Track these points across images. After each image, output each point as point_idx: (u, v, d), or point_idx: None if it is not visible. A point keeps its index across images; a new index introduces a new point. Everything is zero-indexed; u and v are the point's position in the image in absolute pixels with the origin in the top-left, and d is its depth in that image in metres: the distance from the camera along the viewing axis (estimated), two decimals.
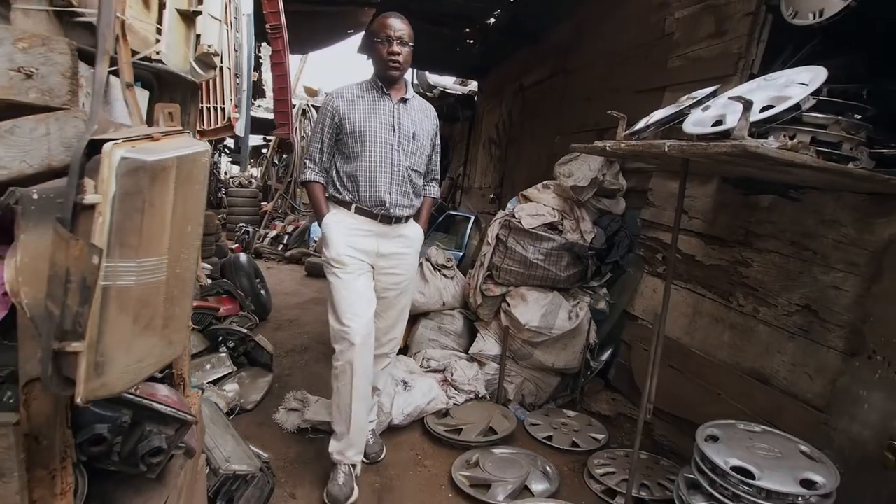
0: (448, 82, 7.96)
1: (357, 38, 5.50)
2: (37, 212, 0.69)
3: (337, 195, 2.15)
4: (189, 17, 1.25)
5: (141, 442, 1.02)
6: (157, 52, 1.12)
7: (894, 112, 2.35)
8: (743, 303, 2.29)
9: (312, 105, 8.99)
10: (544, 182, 3.25)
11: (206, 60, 1.23)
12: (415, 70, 7.32)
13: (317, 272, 6.25)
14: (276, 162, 11.43)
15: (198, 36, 1.25)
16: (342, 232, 2.10)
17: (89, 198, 0.67)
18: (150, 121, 0.93)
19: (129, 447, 1.01)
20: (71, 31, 0.82)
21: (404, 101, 2.16)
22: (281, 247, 7.80)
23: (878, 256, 1.79)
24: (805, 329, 2.01)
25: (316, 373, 3.39)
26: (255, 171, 12.36)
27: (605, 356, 3.07)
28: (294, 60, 7.58)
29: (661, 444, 2.59)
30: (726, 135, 1.57)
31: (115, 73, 0.91)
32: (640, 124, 2.13)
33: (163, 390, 1.27)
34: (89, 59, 0.82)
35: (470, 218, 5.46)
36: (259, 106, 9.02)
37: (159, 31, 1.14)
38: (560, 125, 4.37)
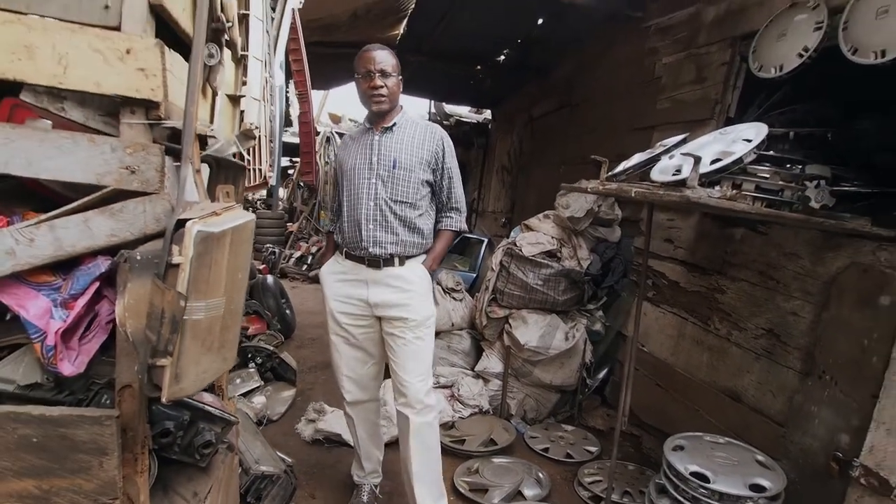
0: (463, 111, 8.35)
1: None
2: (139, 268, 1.01)
3: (336, 240, 2.13)
4: (235, 100, 1.58)
5: (196, 436, 1.32)
6: (212, 130, 1.45)
7: (863, 150, 2.60)
8: (719, 326, 2.52)
9: (337, 132, 9.44)
10: (545, 212, 3.53)
11: (247, 134, 1.55)
12: (432, 101, 7.71)
13: None
14: (302, 184, 11.92)
15: (241, 113, 1.59)
16: (333, 284, 2.09)
17: (176, 259, 0.98)
18: (211, 193, 1.24)
19: (186, 440, 1.31)
20: (160, 132, 1.14)
21: (387, 129, 2.02)
22: (305, 267, 8.18)
23: (827, 286, 2.02)
24: (769, 351, 2.23)
25: (335, 388, 3.68)
26: (282, 193, 12.88)
27: (601, 374, 3.30)
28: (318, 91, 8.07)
29: (648, 456, 2.80)
30: (683, 183, 1.84)
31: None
32: (620, 167, 2.40)
33: (208, 397, 1.58)
34: (170, 151, 1.15)
35: (483, 241, 5.73)
36: (287, 131, 9.54)
37: (212, 113, 1.47)
38: (565, 155, 4.66)
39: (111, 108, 1.11)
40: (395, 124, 2.03)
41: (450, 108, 8.11)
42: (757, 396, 2.26)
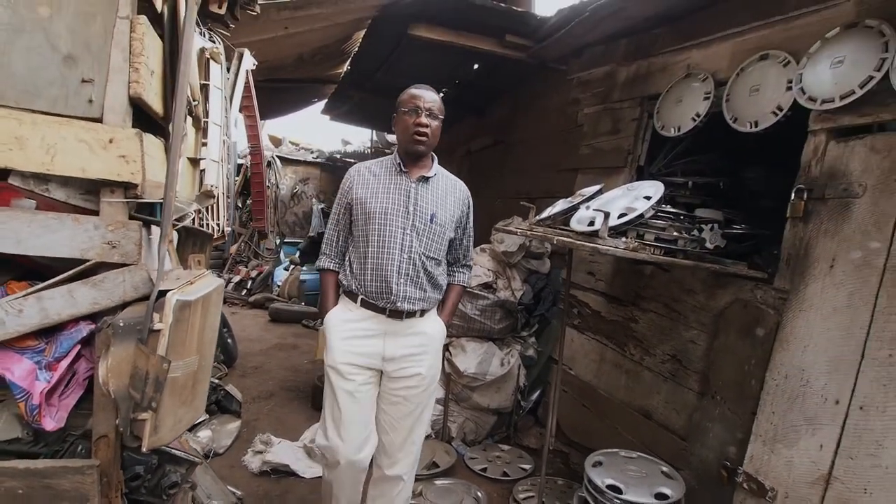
0: None
1: (319, 105, 6.07)
2: (122, 333, 1.14)
3: (345, 283, 1.96)
4: (195, 162, 1.72)
5: (163, 478, 1.44)
6: (176, 196, 1.59)
7: (751, 196, 3.04)
8: (633, 352, 2.85)
9: (277, 156, 9.42)
10: (481, 246, 3.79)
11: (207, 194, 1.69)
12: (373, 129, 7.92)
13: (280, 318, 6.59)
14: (240, 206, 11.73)
15: (202, 173, 1.72)
16: (343, 334, 1.91)
17: (157, 326, 1.13)
18: (181, 259, 1.38)
19: (154, 481, 1.43)
20: (140, 208, 1.28)
21: (425, 179, 1.96)
22: (245, 291, 8.08)
23: (717, 318, 2.38)
24: (673, 374, 2.57)
25: (280, 417, 3.75)
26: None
27: (534, 396, 3.57)
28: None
29: (575, 471, 3.08)
30: (596, 234, 2.14)
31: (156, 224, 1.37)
32: (545, 213, 2.69)
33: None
34: (138, 216, 1.29)
35: None
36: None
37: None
38: (501, 189, 4.98)
39: (90, 187, 1.25)
40: (435, 175, 1.99)
41: (392, 137, 8.35)
42: (665, 414, 2.59)
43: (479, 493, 2.75)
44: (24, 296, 1.13)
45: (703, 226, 2.48)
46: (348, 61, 4.33)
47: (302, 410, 3.87)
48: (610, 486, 2.08)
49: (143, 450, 1.14)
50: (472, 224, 2.14)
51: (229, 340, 4.82)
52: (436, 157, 2.05)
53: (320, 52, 3.71)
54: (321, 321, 2.00)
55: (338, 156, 10.17)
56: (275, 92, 5.02)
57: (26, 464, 1.14)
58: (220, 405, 3.58)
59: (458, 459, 3.14)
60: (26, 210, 1.15)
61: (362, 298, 1.91)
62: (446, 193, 2.02)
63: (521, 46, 3.71)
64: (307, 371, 4.76)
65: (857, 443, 1.76)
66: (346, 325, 1.92)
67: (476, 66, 4.47)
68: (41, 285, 1.15)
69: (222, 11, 1.49)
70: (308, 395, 4.03)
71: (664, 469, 2.21)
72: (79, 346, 1.20)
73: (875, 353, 1.76)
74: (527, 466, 3.12)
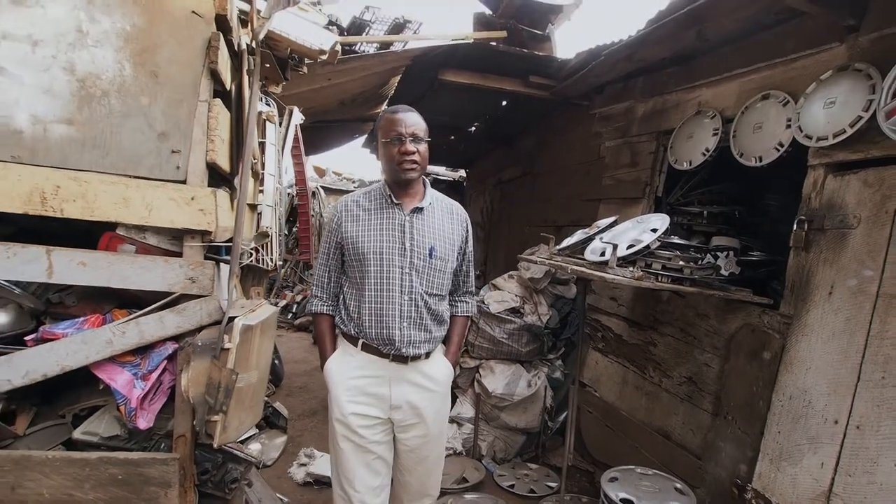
0: (440, 169, 9.00)
1: (361, 139, 6.51)
2: (199, 351, 1.44)
3: (343, 328, 1.80)
4: (253, 207, 2.04)
5: (226, 474, 1.72)
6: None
7: (770, 222, 3.15)
8: (653, 374, 2.98)
9: (321, 186, 9.95)
10: (509, 272, 4.01)
11: (263, 234, 2.00)
12: None
13: None
14: (286, 233, 12.34)
15: (258, 216, 2.04)
16: (347, 383, 1.75)
17: (227, 345, 1.42)
18: (245, 291, 1.67)
19: (219, 476, 1.70)
20: (209, 248, 1.59)
21: (419, 210, 1.79)
22: (290, 315, 8.50)
23: (728, 342, 2.51)
24: (689, 396, 2.69)
25: (323, 434, 4.02)
26: None
27: (561, 417, 3.71)
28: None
29: (600, 490, 3.20)
30: (606, 263, 2.33)
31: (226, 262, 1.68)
32: (565, 243, 2.90)
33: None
34: (217, 260, 1.60)
35: None
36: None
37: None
38: (529, 217, 5.20)
39: (175, 234, 1.57)
40: (430, 203, 1.83)
41: (430, 166, 8.75)
42: (682, 434, 2.71)
43: None
44: (126, 321, 1.45)
45: (718, 253, 2.64)
46: (385, 102, 4.70)
47: None
48: (623, 500, 2.22)
49: (215, 445, 1.42)
50: (472, 248, 1.98)
51: (276, 361, 5.17)
52: (428, 182, 1.89)
53: (360, 97, 4.08)
54: (321, 367, 1.83)
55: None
56: (319, 130, 5.45)
57: (125, 455, 1.43)
58: (268, 421, 3.89)
59: (487, 476, 3.32)
60: (129, 254, 1.47)
61: (363, 343, 1.76)
62: (443, 221, 1.85)
63: (545, 86, 3.97)
64: None
65: (854, 461, 1.87)
66: (348, 373, 1.76)
67: (504, 103, 4.75)
68: (139, 313, 1.47)
69: (279, 90, 1.81)
70: None
71: (678, 486, 2.34)
72: (165, 362, 1.50)
73: (870, 375, 1.88)
74: (553, 485, 3.26)
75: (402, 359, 1.76)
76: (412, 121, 1.75)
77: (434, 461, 1.93)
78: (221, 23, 1.58)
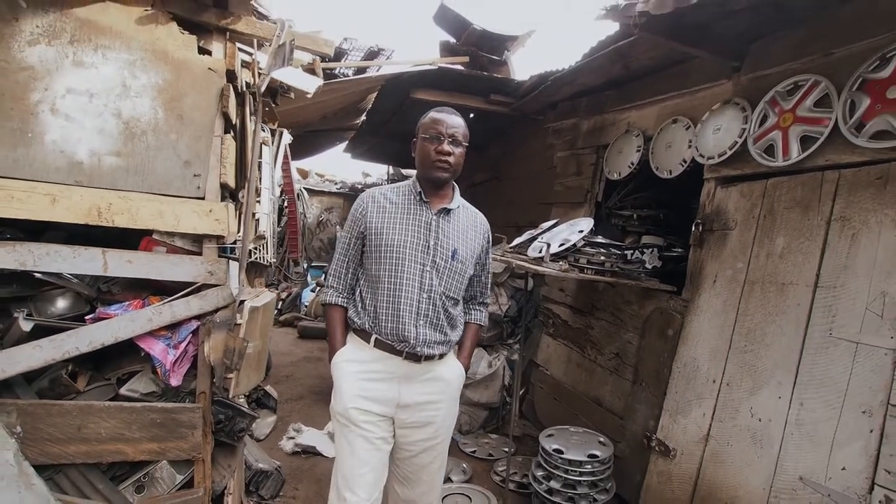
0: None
1: (341, 146, 6.97)
2: (218, 326, 1.92)
3: (356, 321, 1.78)
4: (252, 215, 2.51)
5: (235, 425, 2.20)
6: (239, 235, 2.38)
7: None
8: (590, 352, 3.52)
9: (305, 188, 10.37)
10: None
11: (260, 237, 2.46)
12: (389, 166, 8.80)
13: (307, 335, 7.38)
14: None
15: (256, 222, 2.51)
16: (354, 377, 1.74)
17: (238, 321, 1.90)
18: (249, 279, 2.14)
19: (229, 427, 2.18)
20: (222, 248, 2.07)
21: (446, 211, 1.79)
22: (276, 311, 8.92)
23: (644, 323, 3.05)
24: (616, 369, 3.24)
25: (309, 414, 4.50)
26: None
27: (520, 393, 4.24)
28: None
29: None
30: (542, 259, 2.85)
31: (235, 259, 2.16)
32: (515, 242, 3.42)
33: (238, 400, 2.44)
34: (228, 258, 2.08)
35: None
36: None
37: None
38: (496, 219, 5.69)
39: (196, 238, 2.04)
40: (458, 207, 1.84)
41: (406, 170, 9.21)
42: (610, 400, 3.25)
43: (464, 466, 3.44)
44: (162, 304, 1.92)
45: (644, 250, 3.18)
46: (364, 114, 5.17)
47: (326, 409, 4.52)
48: (555, 450, 2.75)
49: (230, 396, 1.90)
50: (490, 260, 1.99)
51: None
52: (457, 187, 1.88)
53: (341, 111, 4.55)
54: (328, 359, 1.84)
55: (359, 186, 11.10)
56: (304, 138, 5.90)
57: (162, 405, 1.91)
58: (259, 402, 4.34)
59: (454, 444, 3.83)
60: (163, 254, 1.95)
61: (376, 338, 1.74)
62: (467, 227, 1.85)
63: (504, 103, 4.49)
64: (332, 379, 5.50)
65: (724, 410, 2.42)
66: (357, 367, 1.75)
67: (471, 115, 5.26)
68: (170, 299, 1.94)
69: (275, 126, 2.29)
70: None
71: (601, 439, 2.88)
72: (190, 335, 1.98)
73: (736, 343, 2.43)
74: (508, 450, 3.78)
75: (416, 357, 1.73)
76: (454, 123, 1.76)
77: (436, 471, 1.88)
78: (230, 75, 2.06)
